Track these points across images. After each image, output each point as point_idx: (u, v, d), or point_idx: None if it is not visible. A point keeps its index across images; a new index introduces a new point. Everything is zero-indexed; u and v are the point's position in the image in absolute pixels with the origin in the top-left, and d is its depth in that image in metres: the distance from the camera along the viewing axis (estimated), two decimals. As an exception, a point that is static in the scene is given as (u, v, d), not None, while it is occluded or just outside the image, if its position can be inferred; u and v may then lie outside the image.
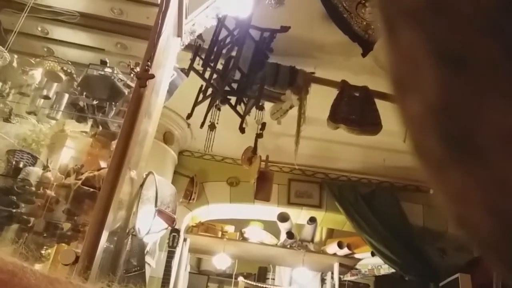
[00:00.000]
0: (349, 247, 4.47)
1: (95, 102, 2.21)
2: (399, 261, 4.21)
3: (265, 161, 3.64)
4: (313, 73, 3.24)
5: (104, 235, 1.49)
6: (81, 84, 2.23)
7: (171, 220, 2.36)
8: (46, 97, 2.26)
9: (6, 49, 2.15)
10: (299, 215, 4.78)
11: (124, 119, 1.72)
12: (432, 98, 0.19)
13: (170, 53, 2.31)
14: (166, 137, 4.27)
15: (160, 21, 1.86)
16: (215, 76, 2.97)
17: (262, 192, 3.52)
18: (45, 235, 2.03)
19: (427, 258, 4.20)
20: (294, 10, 2.95)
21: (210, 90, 3.02)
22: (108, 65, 2.26)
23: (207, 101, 3.05)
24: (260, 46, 3.01)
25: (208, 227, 4.48)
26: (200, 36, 2.84)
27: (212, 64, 2.92)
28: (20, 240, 1.99)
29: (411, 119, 0.21)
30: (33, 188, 2.08)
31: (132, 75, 2.14)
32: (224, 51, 2.98)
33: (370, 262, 4.70)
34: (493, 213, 0.18)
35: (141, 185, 2.26)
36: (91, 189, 1.97)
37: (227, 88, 2.99)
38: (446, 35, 0.18)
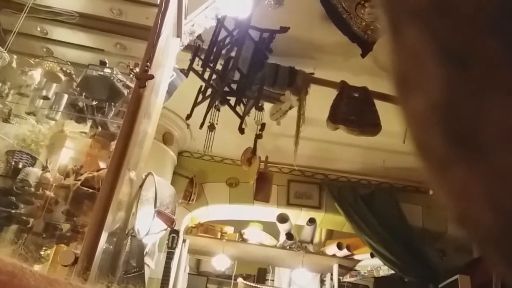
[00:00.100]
0: (348, 248, 4.47)
1: (94, 103, 2.21)
2: (398, 262, 4.21)
3: (265, 162, 3.64)
4: (313, 73, 3.24)
5: (104, 236, 1.48)
6: (81, 84, 2.23)
7: (170, 221, 2.36)
8: (46, 98, 2.26)
9: (5, 50, 2.15)
10: (298, 216, 4.78)
11: (123, 120, 1.72)
12: (435, 96, 0.19)
13: (169, 54, 2.31)
14: (166, 138, 4.27)
15: (159, 22, 1.86)
16: (214, 76, 2.97)
17: (261, 193, 3.52)
18: (44, 236, 2.02)
19: (427, 259, 4.20)
20: (294, 11, 2.95)
21: (209, 91, 3.02)
22: (107, 65, 2.26)
23: (207, 102, 3.05)
24: (260, 46, 3.01)
25: (207, 228, 4.47)
26: (199, 37, 2.83)
27: (211, 65, 2.92)
28: (19, 241, 1.99)
29: (414, 117, 0.21)
30: (32, 189, 2.08)
31: (131, 75, 2.14)
32: (223, 51, 2.98)
33: (370, 264, 4.70)
34: (495, 209, 0.18)
35: (141, 186, 2.26)
36: (91, 190, 1.97)
37: (226, 88, 2.99)
38: (450, 34, 0.18)
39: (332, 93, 3.14)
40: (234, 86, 3.00)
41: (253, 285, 4.67)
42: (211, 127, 3.13)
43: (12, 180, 2.10)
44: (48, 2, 2.28)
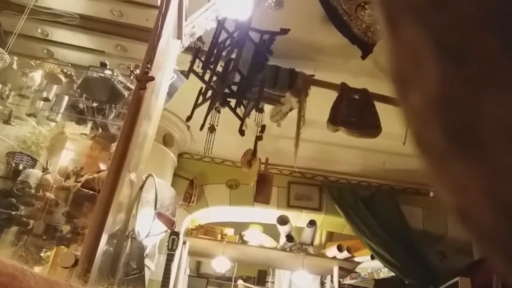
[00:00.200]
0: (348, 250, 4.46)
1: (95, 104, 2.21)
2: (398, 264, 4.20)
3: (265, 163, 3.64)
4: (313, 75, 3.25)
5: (104, 238, 1.48)
6: (81, 86, 2.23)
7: (170, 223, 2.36)
8: (46, 99, 2.26)
9: (6, 51, 2.15)
10: (298, 218, 4.78)
11: (124, 121, 1.72)
12: (434, 92, 0.19)
13: (170, 55, 2.31)
14: (166, 140, 4.27)
15: (160, 24, 1.86)
16: (215, 78, 2.97)
17: (261, 194, 3.52)
18: (44, 237, 2.02)
19: (427, 262, 4.20)
20: (294, 13, 2.95)
21: (210, 93, 3.02)
22: (108, 67, 2.26)
23: (207, 104, 3.05)
24: (260, 48, 3.01)
25: (207, 230, 4.47)
26: (200, 39, 2.84)
27: (212, 67, 2.92)
28: (20, 242, 1.99)
29: (413, 113, 0.21)
30: (33, 191, 2.08)
31: (132, 77, 2.14)
32: (224, 53, 2.98)
33: (370, 266, 4.70)
34: (494, 204, 0.18)
35: (141, 188, 2.26)
36: (91, 192, 1.97)
37: (226, 90, 2.99)
38: (448, 30, 0.18)
39: (332, 95, 3.14)
40: (234, 88, 3.00)
41: (253, 287, 4.66)
42: (212, 129, 3.13)
43: (13, 181, 2.10)
44: (48, 3, 2.28)
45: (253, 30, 2.96)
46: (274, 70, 3.14)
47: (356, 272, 4.81)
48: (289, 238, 4.43)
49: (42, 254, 2.08)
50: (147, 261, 3.26)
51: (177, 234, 3.90)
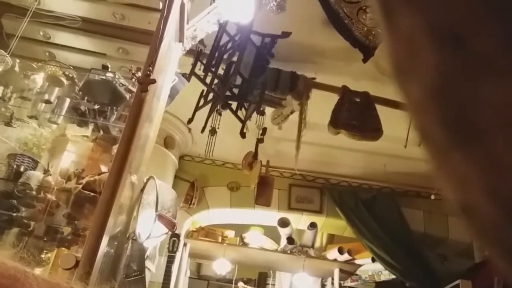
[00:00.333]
0: (349, 252, 4.46)
1: (96, 107, 2.22)
2: (399, 267, 4.20)
3: (266, 166, 3.64)
4: (314, 78, 3.25)
5: (105, 240, 1.49)
6: (83, 88, 2.24)
7: (171, 225, 2.36)
8: (48, 102, 2.26)
9: (8, 54, 2.15)
10: (299, 221, 4.77)
11: (125, 124, 1.72)
12: (432, 81, 0.19)
13: (171, 58, 2.31)
14: (167, 142, 4.28)
15: (161, 27, 1.87)
16: (216, 81, 2.98)
17: (262, 197, 3.52)
18: (45, 239, 2.02)
19: (428, 264, 4.19)
20: (295, 16, 2.96)
21: (211, 95, 3.02)
22: (109, 70, 2.26)
23: (208, 106, 3.05)
24: (261, 51, 3.02)
25: (208, 232, 4.47)
26: (201, 42, 2.84)
27: (213, 69, 2.92)
28: (21, 244, 1.99)
29: (413, 104, 0.21)
30: (34, 192, 2.08)
31: (133, 80, 2.15)
32: (225, 56, 2.99)
33: (371, 268, 4.69)
34: (494, 197, 0.18)
35: (142, 190, 2.26)
36: (92, 194, 1.97)
37: (228, 93, 2.99)
38: (445, 15, 0.18)
39: (334, 98, 3.14)
40: (235, 90, 3.01)
41: (254, 289, 4.66)
42: (213, 131, 3.13)
43: (14, 183, 2.10)
44: (51, 6, 2.29)
45: (255, 33, 2.96)
46: (275, 73, 3.14)
47: (357, 275, 4.80)
48: (290, 240, 4.43)
49: (42, 256, 2.08)
50: (147, 263, 3.26)
51: (177, 236, 3.90)
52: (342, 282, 4.63)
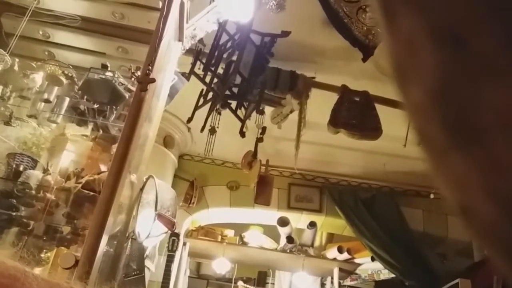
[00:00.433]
0: (349, 252, 4.46)
1: (95, 106, 2.22)
2: (399, 266, 4.20)
3: (265, 165, 3.64)
4: (314, 77, 3.25)
5: (104, 239, 1.49)
6: (82, 88, 2.23)
7: (171, 224, 2.36)
8: (47, 101, 2.26)
9: (7, 53, 2.15)
10: (299, 220, 4.78)
11: (124, 123, 1.72)
12: (432, 82, 0.19)
13: (171, 57, 2.31)
14: (167, 141, 4.27)
15: (161, 26, 1.87)
16: (215, 80, 2.98)
17: (262, 196, 3.52)
18: (44, 238, 2.03)
19: (427, 263, 4.19)
20: (295, 15, 2.96)
21: (210, 94, 3.02)
22: (109, 69, 2.26)
23: (208, 105, 3.05)
24: (261, 50, 3.02)
25: (207, 231, 4.47)
26: (201, 41, 2.84)
27: (212, 69, 2.92)
28: (20, 243, 1.99)
29: (412, 105, 0.21)
30: (33, 192, 2.08)
31: (133, 79, 2.15)
32: (224, 55, 2.98)
33: (370, 267, 4.69)
34: (494, 198, 0.18)
35: (141, 189, 2.26)
36: (91, 193, 1.97)
37: (227, 92, 2.99)
38: (445, 15, 0.18)
39: (333, 97, 3.14)
40: (235, 89, 3.01)
41: (254, 288, 4.66)
42: (212, 131, 3.13)
43: (13, 182, 2.10)
44: (50, 5, 2.29)
45: (254, 33, 2.96)
46: (275, 72, 3.14)
47: (357, 274, 4.81)
48: (290, 239, 4.43)
49: (42, 255, 2.08)
50: (147, 262, 3.26)
51: (177, 235, 3.90)
52: (341, 281, 4.64)
